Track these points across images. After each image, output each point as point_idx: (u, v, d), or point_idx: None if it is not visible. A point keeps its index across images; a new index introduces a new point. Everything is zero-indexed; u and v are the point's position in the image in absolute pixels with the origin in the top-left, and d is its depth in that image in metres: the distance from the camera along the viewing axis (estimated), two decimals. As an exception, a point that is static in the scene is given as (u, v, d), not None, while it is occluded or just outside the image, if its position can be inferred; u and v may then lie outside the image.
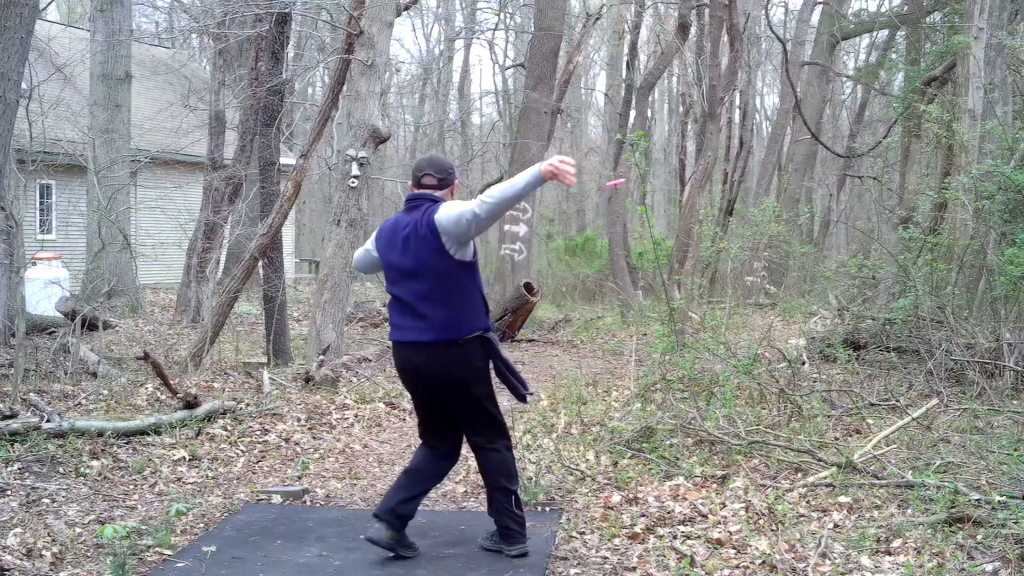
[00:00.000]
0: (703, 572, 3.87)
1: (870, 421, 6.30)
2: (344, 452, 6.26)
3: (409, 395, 4.42)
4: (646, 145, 8.53)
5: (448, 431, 4.28)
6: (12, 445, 5.46)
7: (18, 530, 4.31)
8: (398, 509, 4.13)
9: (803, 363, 7.88)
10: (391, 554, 4.17)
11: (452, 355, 4.00)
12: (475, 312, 4.03)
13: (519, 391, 4.21)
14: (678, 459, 5.50)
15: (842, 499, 4.66)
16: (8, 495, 4.81)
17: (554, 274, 21.72)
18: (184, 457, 5.74)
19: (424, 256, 3.95)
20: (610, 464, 5.59)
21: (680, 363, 7.04)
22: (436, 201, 4.03)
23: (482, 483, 5.43)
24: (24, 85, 8.47)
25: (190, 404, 6.43)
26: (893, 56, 21.96)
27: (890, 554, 3.96)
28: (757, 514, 4.50)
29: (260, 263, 9.32)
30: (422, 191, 4.10)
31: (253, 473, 5.68)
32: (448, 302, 3.96)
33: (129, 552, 4.07)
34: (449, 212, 3.91)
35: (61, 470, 5.30)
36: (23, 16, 6.61)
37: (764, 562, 3.90)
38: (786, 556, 3.94)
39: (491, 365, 4.13)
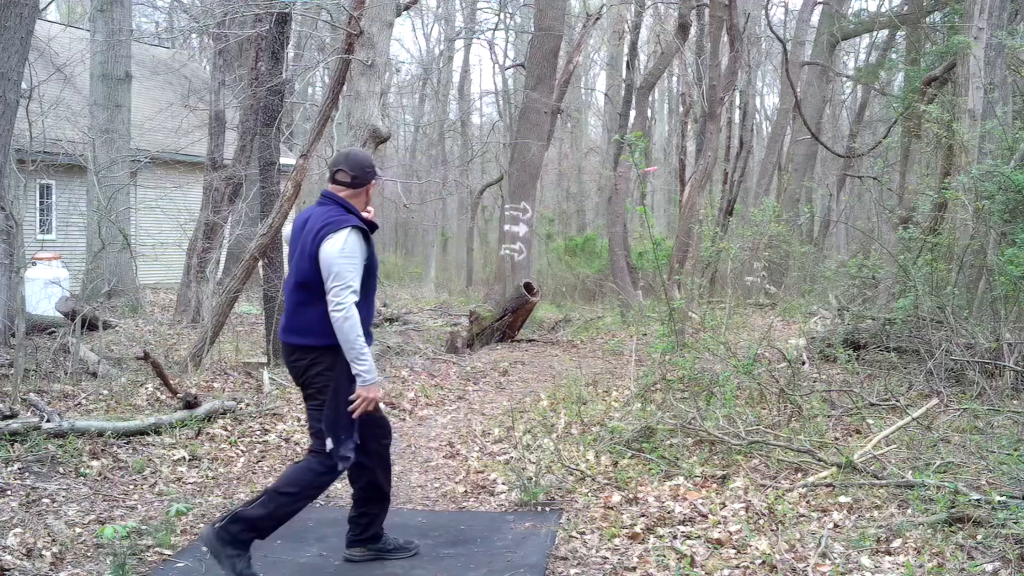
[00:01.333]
0: (703, 572, 3.87)
1: (870, 421, 6.30)
2: (344, 452, 6.25)
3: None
4: (644, 145, 8.52)
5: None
6: (12, 445, 5.46)
7: (18, 530, 4.31)
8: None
9: (803, 363, 7.88)
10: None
11: (300, 360, 3.90)
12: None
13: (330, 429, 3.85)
14: (678, 459, 5.50)
15: (842, 499, 4.66)
16: (8, 495, 4.81)
17: (554, 274, 21.72)
18: (184, 457, 5.74)
19: (299, 259, 3.87)
20: (610, 464, 5.59)
21: (680, 363, 7.03)
22: (333, 220, 3.80)
23: (481, 483, 5.46)
24: (24, 85, 8.47)
25: (190, 404, 6.43)
26: (893, 56, 21.96)
27: (890, 554, 3.96)
28: (757, 514, 4.50)
29: (260, 263, 9.31)
30: (333, 189, 3.94)
31: (253, 473, 5.68)
32: (308, 309, 3.83)
33: (129, 552, 4.07)
34: (330, 255, 3.74)
35: (61, 470, 5.30)
36: (23, 16, 6.60)
37: (764, 562, 3.90)
38: (786, 556, 3.94)
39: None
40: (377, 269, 4.02)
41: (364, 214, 3.97)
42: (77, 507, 4.76)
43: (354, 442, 3.85)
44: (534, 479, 5.12)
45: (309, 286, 3.81)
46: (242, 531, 3.74)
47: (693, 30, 17.37)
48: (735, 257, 9.69)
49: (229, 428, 6.45)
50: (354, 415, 3.80)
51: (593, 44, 28.68)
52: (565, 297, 19.55)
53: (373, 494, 4.12)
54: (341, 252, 3.74)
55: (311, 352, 3.84)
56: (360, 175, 3.94)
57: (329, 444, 3.80)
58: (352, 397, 3.78)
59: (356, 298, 3.75)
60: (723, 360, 6.98)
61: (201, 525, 4.64)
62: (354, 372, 3.76)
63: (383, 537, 4.18)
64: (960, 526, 4.15)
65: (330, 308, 3.72)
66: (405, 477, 5.71)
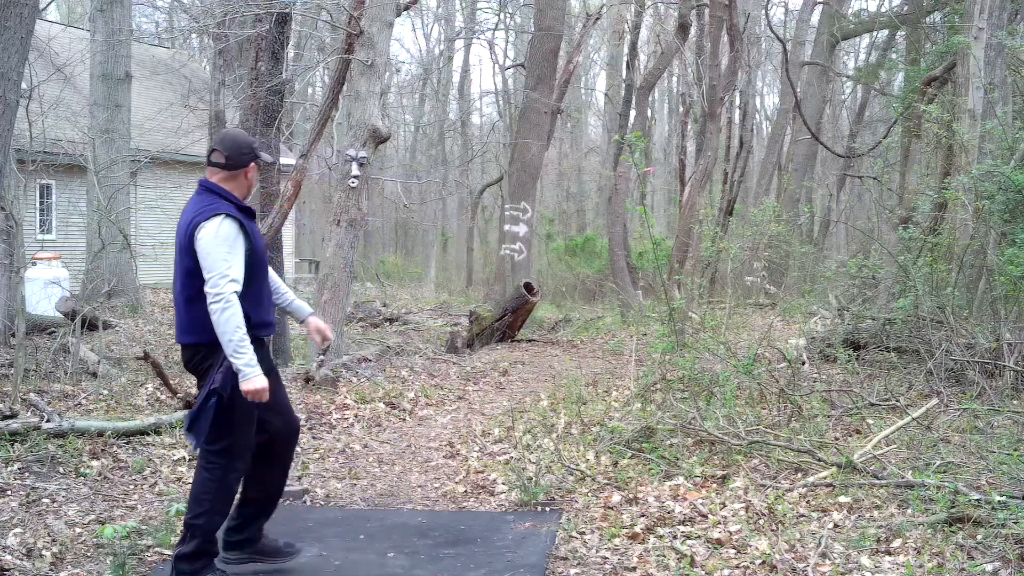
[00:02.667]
0: (703, 572, 3.87)
1: (870, 421, 6.30)
2: (344, 452, 6.26)
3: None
4: (644, 146, 8.52)
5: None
6: (12, 445, 5.46)
7: (18, 530, 4.31)
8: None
9: (803, 363, 7.88)
10: (391, 554, 4.17)
11: (191, 358, 3.80)
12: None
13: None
14: (678, 459, 5.50)
15: (842, 499, 4.66)
16: (8, 495, 4.81)
17: (554, 274, 21.73)
18: (184, 457, 5.74)
19: (179, 256, 3.76)
20: (610, 464, 5.59)
21: (680, 363, 7.04)
22: (203, 210, 3.68)
23: (481, 482, 5.46)
24: (24, 85, 8.47)
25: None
26: (893, 56, 21.96)
27: (890, 554, 3.96)
28: (757, 514, 4.50)
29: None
30: (208, 175, 3.80)
31: (253, 473, 5.68)
32: (195, 305, 3.69)
33: (129, 552, 4.07)
34: (203, 246, 3.61)
35: (61, 470, 5.30)
36: (23, 16, 6.60)
37: (764, 562, 3.90)
38: (786, 556, 3.94)
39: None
40: (265, 256, 3.89)
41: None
42: (77, 507, 4.76)
43: (241, 437, 3.75)
44: (534, 479, 5.12)
45: (191, 282, 3.68)
46: (195, 570, 3.70)
47: (693, 30, 17.37)
48: (735, 257, 9.70)
49: (229, 428, 6.44)
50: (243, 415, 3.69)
51: (593, 44, 28.69)
52: (565, 297, 19.55)
53: (255, 492, 3.98)
54: (214, 241, 3.60)
55: (204, 348, 3.70)
56: (235, 156, 3.77)
57: (188, 438, 3.71)
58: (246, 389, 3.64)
59: (237, 287, 3.60)
60: (723, 360, 6.99)
61: (201, 525, 4.64)
62: (234, 367, 3.61)
63: (260, 541, 4.01)
64: (960, 526, 4.15)
65: (208, 300, 3.58)
66: (405, 477, 5.71)
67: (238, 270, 3.64)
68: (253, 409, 3.75)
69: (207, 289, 3.58)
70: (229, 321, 3.57)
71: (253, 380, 3.62)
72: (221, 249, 3.60)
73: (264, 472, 3.96)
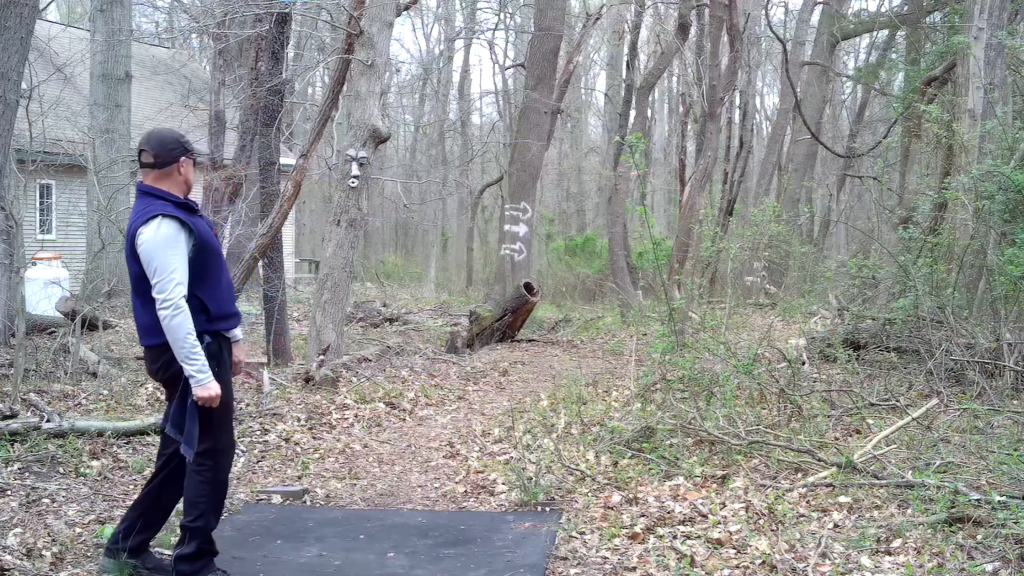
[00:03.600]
0: (703, 572, 3.87)
1: (870, 421, 6.30)
2: (344, 452, 6.26)
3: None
4: (644, 146, 8.52)
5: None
6: (12, 445, 5.46)
7: (18, 530, 4.31)
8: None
9: (803, 363, 7.87)
10: (391, 554, 4.17)
11: (155, 360, 3.76)
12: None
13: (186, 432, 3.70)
14: (678, 459, 5.50)
15: (842, 499, 4.66)
16: (8, 495, 4.81)
17: (554, 274, 21.72)
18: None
19: (128, 262, 3.73)
20: (610, 464, 5.59)
21: (680, 363, 7.04)
22: (140, 214, 3.66)
23: (481, 482, 5.46)
24: (24, 85, 8.46)
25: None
26: (893, 56, 21.96)
27: (890, 554, 3.96)
28: (757, 514, 4.50)
29: (260, 263, 9.31)
30: (142, 176, 3.78)
31: (253, 473, 5.68)
32: (150, 306, 3.66)
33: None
34: (145, 251, 3.59)
35: (61, 470, 5.30)
36: (23, 16, 6.61)
37: (764, 562, 3.90)
38: (786, 556, 3.94)
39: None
40: (219, 250, 3.85)
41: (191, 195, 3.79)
42: (77, 507, 4.76)
43: (220, 431, 3.75)
44: (534, 479, 5.12)
45: (141, 286, 3.67)
46: (196, 570, 3.74)
47: (693, 30, 17.36)
48: (735, 257, 9.69)
49: (229, 428, 6.44)
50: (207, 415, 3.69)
51: (593, 44, 28.70)
52: (565, 297, 19.55)
53: (149, 503, 3.94)
54: (154, 244, 3.58)
55: (164, 351, 3.67)
56: (163, 154, 3.73)
57: (184, 449, 3.69)
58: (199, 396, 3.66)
59: (184, 290, 3.59)
60: (723, 360, 6.99)
61: (201, 525, 4.64)
62: (186, 373, 3.60)
63: (143, 554, 3.92)
64: (960, 526, 4.15)
65: (157, 306, 3.57)
66: (405, 477, 5.71)
67: (183, 272, 3.62)
68: (231, 403, 3.78)
69: (155, 295, 3.58)
70: (180, 327, 3.57)
71: (207, 386, 3.63)
72: (163, 253, 3.58)
73: (166, 483, 3.92)
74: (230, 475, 5.55)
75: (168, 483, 3.91)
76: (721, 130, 16.28)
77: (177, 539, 3.88)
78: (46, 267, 12.85)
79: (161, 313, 3.57)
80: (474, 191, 25.69)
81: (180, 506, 3.90)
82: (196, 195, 14.11)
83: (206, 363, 3.63)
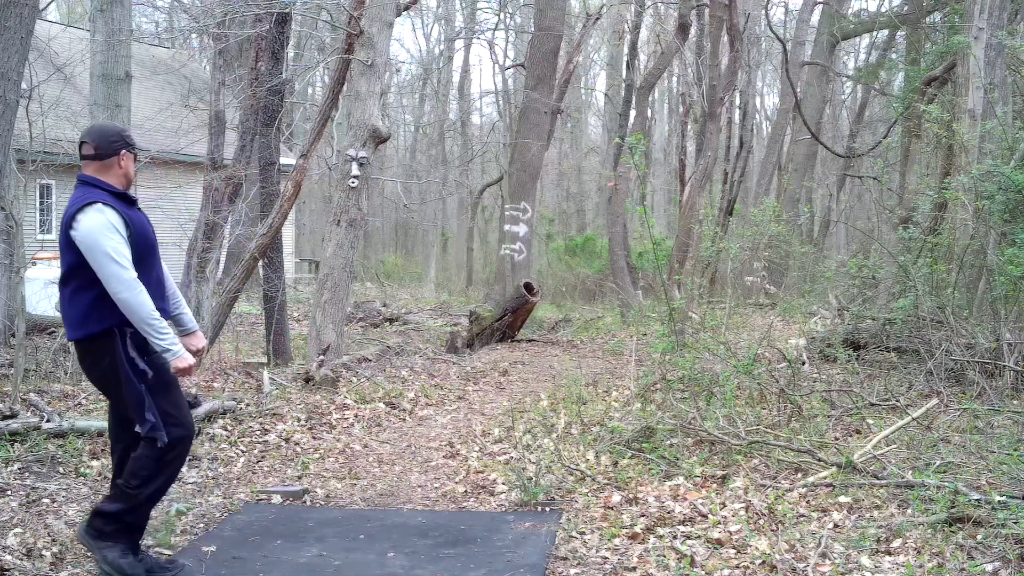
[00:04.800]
0: (703, 572, 3.87)
1: (870, 421, 6.30)
2: (344, 452, 6.26)
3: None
4: (644, 147, 8.53)
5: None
6: (12, 445, 5.46)
7: (18, 530, 4.31)
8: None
9: (803, 363, 7.88)
10: (391, 554, 4.17)
11: (85, 355, 3.77)
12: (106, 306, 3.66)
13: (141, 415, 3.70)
14: (678, 459, 5.50)
15: (842, 499, 4.65)
16: (8, 495, 4.81)
17: (554, 274, 21.72)
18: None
19: (61, 252, 3.72)
20: (610, 464, 5.59)
21: (680, 363, 7.04)
22: (77, 203, 3.67)
23: (481, 482, 5.46)
24: (24, 85, 8.46)
25: (190, 404, 6.40)
26: (893, 56, 21.97)
27: (890, 554, 3.96)
28: (757, 514, 4.50)
29: (260, 263, 9.32)
30: (83, 167, 3.81)
31: (253, 473, 5.68)
32: (78, 299, 3.68)
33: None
34: (85, 238, 3.58)
35: (61, 470, 5.30)
36: (23, 16, 6.60)
37: (764, 562, 3.90)
38: (786, 556, 3.94)
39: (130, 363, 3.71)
40: (155, 241, 3.86)
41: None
42: (77, 507, 4.75)
43: (177, 414, 3.76)
44: (534, 479, 5.12)
45: (73, 276, 3.67)
46: (106, 524, 3.72)
47: (693, 30, 17.37)
48: (735, 257, 9.70)
49: (229, 428, 6.45)
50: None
51: (593, 44, 28.70)
52: (565, 297, 19.55)
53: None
54: (96, 230, 3.59)
55: (93, 342, 3.68)
56: (103, 145, 3.78)
57: (139, 429, 3.70)
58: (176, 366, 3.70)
59: (133, 273, 3.59)
60: (723, 360, 6.99)
61: (201, 525, 4.65)
62: (158, 349, 3.64)
63: (140, 555, 3.86)
64: (960, 526, 4.14)
65: (110, 291, 3.56)
66: (405, 477, 5.71)
67: (127, 256, 3.63)
68: (173, 380, 3.79)
69: (106, 280, 3.57)
70: (144, 304, 3.60)
71: (182, 357, 3.70)
72: (105, 237, 3.59)
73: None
74: (235, 473, 5.56)
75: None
76: (721, 130, 16.28)
77: (177, 536, 3.87)
78: (46, 267, 12.84)
79: (118, 296, 3.57)
80: (474, 191, 25.70)
81: (139, 489, 3.79)
82: (195, 195, 14.12)
83: (174, 335, 3.68)
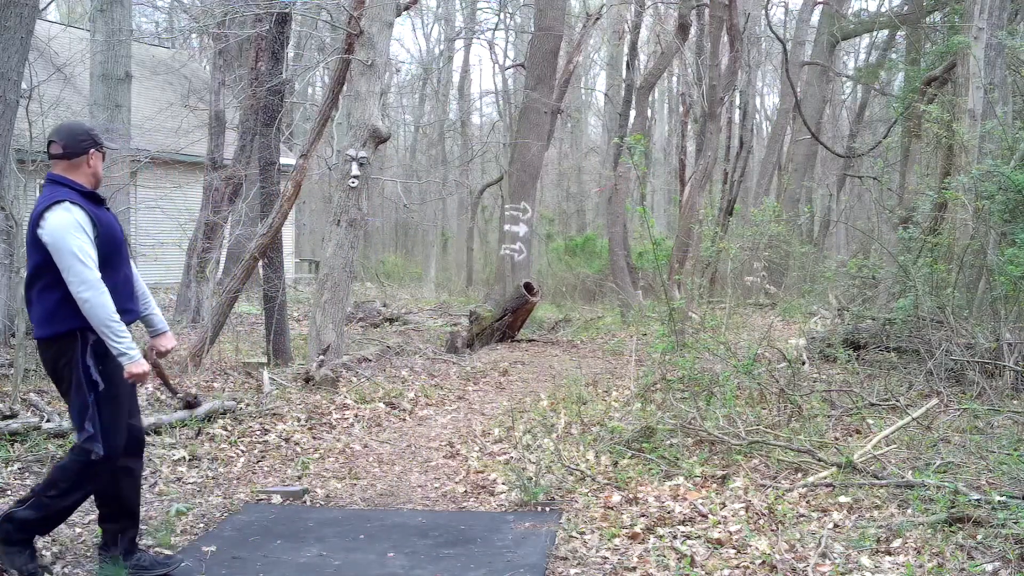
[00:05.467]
0: (703, 572, 3.87)
1: (870, 421, 6.30)
2: (344, 452, 6.26)
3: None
4: (644, 147, 8.53)
5: None
6: (12, 445, 5.46)
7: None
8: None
9: (803, 363, 7.88)
10: (391, 554, 4.17)
11: (45, 352, 3.75)
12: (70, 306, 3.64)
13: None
14: (678, 459, 5.50)
15: (842, 499, 4.65)
16: (8, 495, 4.81)
17: (554, 274, 21.72)
18: (184, 457, 5.74)
19: (28, 250, 3.74)
20: (610, 464, 5.59)
21: (680, 363, 7.04)
22: (44, 201, 3.66)
23: (481, 482, 5.46)
24: (24, 85, 8.46)
25: (190, 404, 6.43)
26: (893, 56, 21.97)
27: (890, 554, 3.96)
28: (757, 514, 4.50)
29: (260, 263, 9.32)
30: (52, 166, 3.80)
31: (253, 473, 5.68)
32: (44, 297, 3.68)
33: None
34: (52, 237, 3.58)
35: (61, 470, 5.29)
36: (23, 16, 6.60)
37: (764, 562, 3.90)
38: (786, 556, 3.94)
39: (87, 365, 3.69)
40: (122, 241, 3.85)
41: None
42: (77, 507, 4.75)
43: (113, 432, 3.71)
44: (534, 479, 5.12)
45: (39, 274, 3.68)
46: (15, 531, 3.70)
47: (693, 30, 17.37)
48: (735, 257, 9.70)
49: (229, 428, 6.45)
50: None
51: (593, 44, 28.69)
52: (565, 297, 19.55)
53: (113, 506, 3.90)
54: (62, 229, 3.58)
55: (55, 342, 3.67)
56: (71, 144, 3.77)
57: (76, 437, 3.68)
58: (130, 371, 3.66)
59: (96, 273, 3.58)
60: (723, 360, 6.99)
61: (201, 525, 4.65)
62: (114, 352, 3.62)
63: (135, 554, 3.92)
64: (960, 526, 4.15)
65: (73, 291, 3.55)
66: (405, 477, 5.71)
67: (95, 255, 3.63)
68: (123, 400, 3.77)
69: (69, 279, 3.57)
70: (105, 306, 3.59)
71: (138, 363, 3.66)
72: (72, 237, 3.58)
73: (115, 483, 3.87)
74: (235, 473, 5.56)
75: (123, 475, 3.88)
76: (721, 130, 16.28)
77: (177, 536, 3.87)
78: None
79: (80, 296, 3.56)
80: (474, 191, 25.69)
81: (55, 500, 3.75)
82: (195, 195, 14.14)
83: (131, 341, 3.66)
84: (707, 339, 7.62)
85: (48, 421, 5.70)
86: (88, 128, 3.92)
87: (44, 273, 3.66)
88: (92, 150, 3.82)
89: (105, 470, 3.75)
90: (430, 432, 6.97)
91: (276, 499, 5.15)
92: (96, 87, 14.55)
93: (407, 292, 20.77)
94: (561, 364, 10.52)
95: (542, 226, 24.02)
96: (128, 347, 3.63)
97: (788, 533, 4.22)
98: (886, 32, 22.34)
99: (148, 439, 5.94)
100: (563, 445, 6.04)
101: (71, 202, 3.66)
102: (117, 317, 3.62)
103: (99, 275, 3.61)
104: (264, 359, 9.21)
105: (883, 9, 23.50)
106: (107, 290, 3.61)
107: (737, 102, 19.67)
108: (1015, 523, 3.95)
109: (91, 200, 3.77)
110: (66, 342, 3.66)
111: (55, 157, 3.79)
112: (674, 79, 28.69)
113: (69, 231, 3.59)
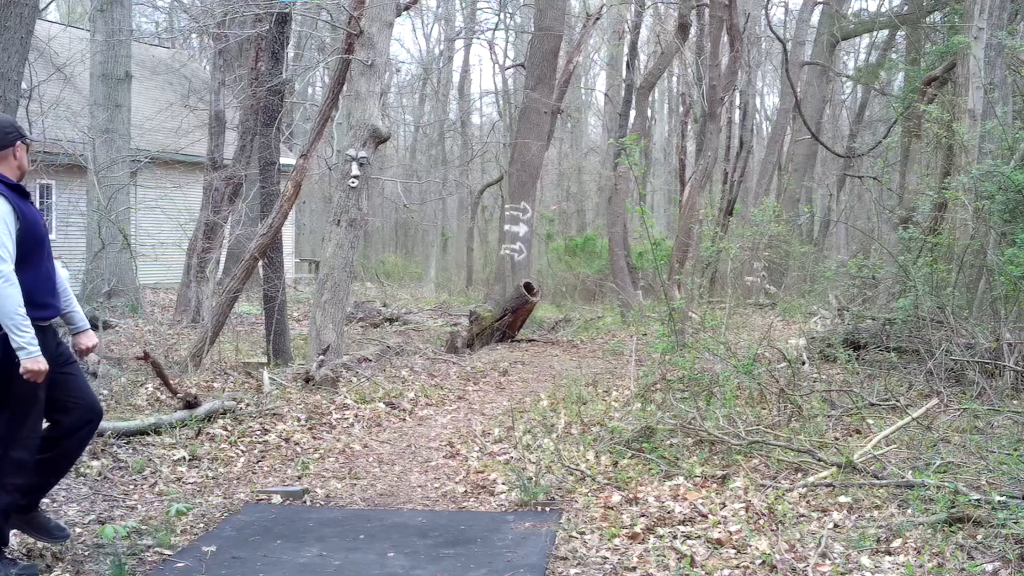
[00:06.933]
0: (703, 572, 3.87)
1: (870, 421, 6.30)
2: (344, 452, 6.26)
3: None
4: (642, 147, 8.53)
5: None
6: None
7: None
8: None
9: (803, 363, 7.88)
10: (391, 554, 4.16)
11: None
12: None
13: None
14: (678, 459, 5.50)
15: (842, 499, 4.65)
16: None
17: (554, 274, 21.72)
18: (184, 457, 5.74)
19: None
20: (610, 464, 5.59)
21: (680, 363, 7.04)
22: None
23: (481, 482, 5.46)
24: (24, 85, 8.47)
25: (190, 404, 6.43)
26: (893, 56, 21.97)
27: (890, 554, 3.96)
28: (757, 514, 4.50)
29: (260, 263, 9.31)
30: None
31: (253, 473, 5.68)
32: None
33: (129, 552, 4.07)
34: None
35: (61, 470, 5.29)
36: (23, 16, 6.60)
37: (764, 562, 3.90)
38: (786, 556, 3.94)
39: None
40: (45, 236, 3.84)
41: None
42: (77, 507, 4.75)
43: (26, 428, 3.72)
44: (534, 479, 5.12)
45: None
46: None
47: (693, 30, 17.37)
48: (735, 257, 9.70)
49: (229, 428, 6.45)
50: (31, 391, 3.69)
51: (593, 44, 28.68)
52: (565, 297, 19.55)
53: (42, 467, 3.92)
54: None
55: None
56: None
57: None
58: (21, 372, 3.64)
59: (8, 266, 3.59)
60: (723, 360, 6.98)
61: (201, 525, 4.65)
62: (14, 345, 3.60)
63: (33, 512, 3.97)
64: (960, 526, 4.15)
65: None
66: (405, 477, 5.71)
67: (11, 248, 3.63)
68: (39, 395, 3.74)
69: None
70: (10, 298, 3.58)
71: (36, 359, 3.63)
72: None
73: (48, 460, 3.91)
74: (235, 473, 5.55)
75: (49, 452, 3.90)
76: (721, 130, 16.28)
77: (178, 536, 3.86)
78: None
79: None
80: (474, 191, 25.69)
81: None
82: (195, 195, 14.15)
83: (34, 336, 3.64)
84: (707, 339, 7.62)
85: (48, 421, 5.69)
86: (13, 121, 3.97)
87: None
88: (18, 142, 3.84)
89: (17, 457, 3.73)
90: (430, 432, 6.97)
91: (276, 499, 5.15)
92: (96, 87, 14.56)
93: (407, 292, 20.77)
94: (561, 364, 10.52)
95: (542, 226, 24.02)
96: (28, 341, 3.62)
97: (788, 533, 4.22)
98: (886, 32, 22.36)
99: (148, 439, 5.94)
100: (563, 445, 6.04)
101: None
102: (23, 312, 3.61)
103: (12, 268, 3.61)
104: (264, 359, 9.21)
105: (883, 9, 23.52)
106: (17, 283, 3.60)
107: (737, 102, 19.66)
108: (1015, 523, 3.95)
109: (17, 192, 3.77)
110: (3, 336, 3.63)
111: None
112: (674, 79, 28.70)
113: None
